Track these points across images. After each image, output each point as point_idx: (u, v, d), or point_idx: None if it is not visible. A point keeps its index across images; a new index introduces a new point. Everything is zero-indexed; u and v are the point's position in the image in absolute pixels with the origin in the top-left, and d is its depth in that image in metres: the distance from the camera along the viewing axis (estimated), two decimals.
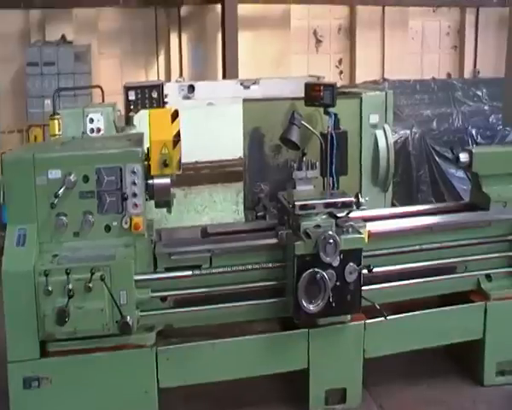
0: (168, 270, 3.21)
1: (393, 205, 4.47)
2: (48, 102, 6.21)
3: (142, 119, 4.46)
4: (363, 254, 3.23)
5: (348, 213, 3.17)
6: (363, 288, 3.25)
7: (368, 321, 3.37)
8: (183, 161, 4.38)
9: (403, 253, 3.40)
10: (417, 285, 3.47)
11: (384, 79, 7.22)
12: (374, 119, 4.35)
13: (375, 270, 3.29)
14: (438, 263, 3.48)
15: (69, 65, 7.43)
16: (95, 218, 3.02)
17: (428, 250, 3.46)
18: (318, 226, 3.09)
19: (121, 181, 3.02)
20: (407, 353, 3.53)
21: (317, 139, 3.56)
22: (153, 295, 3.13)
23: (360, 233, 3.15)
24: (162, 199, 3.14)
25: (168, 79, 8.27)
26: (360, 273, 3.15)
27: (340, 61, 9.86)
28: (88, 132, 3.90)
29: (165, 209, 4.30)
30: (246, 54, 7.96)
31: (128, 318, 2.98)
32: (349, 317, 3.34)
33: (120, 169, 3.01)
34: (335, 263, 3.06)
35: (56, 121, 4.03)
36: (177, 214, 4.44)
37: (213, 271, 3.21)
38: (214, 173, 4.17)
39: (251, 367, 3.28)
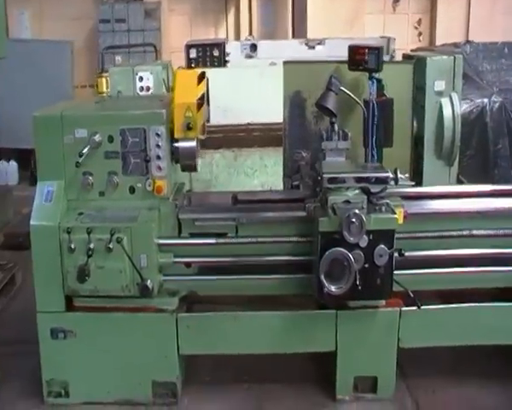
0: (193, 236, 3.15)
1: (459, 181, 4.01)
2: (118, 58, 6.37)
3: None
4: (400, 235, 2.96)
5: (382, 190, 2.88)
6: (398, 272, 2.98)
7: (404, 308, 3.08)
8: (234, 121, 4.33)
9: (445, 237, 3.04)
10: (463, 275, 3.10)
11: (467, 42, 6.46)
12: (439, 86, 3.89)
13: (414, 254, 2.99)
14: (491, 252, 3.07)
15: (139, 22, 7.53)
16: (119, 179, 3.02)
17: (479, 237, 3.05)
18: (348, 202, 2.84)
19: (145, 143, 2.97)
20: (458, 348, 3.19)
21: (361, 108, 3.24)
22: (176, 260, 3.08)
23: (394, 213, 2.85)
24: (187, 163, 3.06)
25: (238, 37, 8.12)
26: (392, 256, 2.87)
27: (419, 22, 9.09)
28: (138, 91, 3.90)
29: (215, 169, 4.30)
30: (318, 13, 7.55)
31: (148, 281, 2.97)
32: (383, 302, 3.07)
33: (144, 131, 2.96)
34: (363, 244, 2.80)
35: (104, 79, 4.08)
36: (227, 176, 4.39)
37: (238, 240, 3.09)
38: (266, 136, 4.02)
39: (273, 344, 3.14)
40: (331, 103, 3.07)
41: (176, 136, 2.96)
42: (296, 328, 3.12)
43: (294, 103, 3.44)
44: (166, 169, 3.01)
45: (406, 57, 4.61)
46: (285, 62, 3.43)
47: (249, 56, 5.20)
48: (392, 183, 2.94)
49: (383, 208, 2.87)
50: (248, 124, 4.25)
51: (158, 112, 2.96)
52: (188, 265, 3.16)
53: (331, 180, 2.86)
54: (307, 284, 3.07)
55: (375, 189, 2.89)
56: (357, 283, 2.84)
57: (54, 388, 3.18)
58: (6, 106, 6.47)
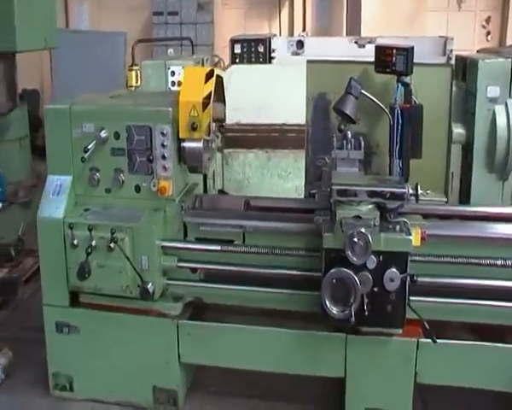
0: (198, 240, 3.01)
1: None
2: (171, 50, 6.33)
3: (233, 74, 4.26)
4: (420, 258, 2.64)
5: (398, 207, 2.56)
6: (416, 298, 2.66)
7: (422, 340, 2.75)
8: (268, 121, 4.12)
9: (472, 264, 2.66)
10: (495, 309, 2.70)
11: None
12: (493, 91, 3.46)
13: (436, 280, 2.66)
14: None
15: (191, 15, 7.43)
16: (125, 176, 2.94)
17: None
18: (358, 218, 2.56)
19: (151, 141, 2.86)
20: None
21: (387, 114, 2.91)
22: (179, 264, 2.96)
23: (409, 233, 2.52)
24: (193, 164, 2.92)
25: (291, 33, 7.80)
26: (405, 282, 2.56)
27: (487, 20, 8.22)
28: (170, 85, 3.80)
29: (247, 170, 4.12)
30: (375, 10, 7.03)
31: (149, 284, 2.87)
32: (399, 330, 2.76)
33: (150, 129, 2.85)
34: (371, 265, 2.51)
35: (134, 72, 4.02)
36: (260, 177, 4.21)
37: (244, 249, 2.90)
38: (300, 138, 3.77)
39: (277, 362, 2.93)
40: (349, 108, 2.78)
41: (180, 136, 2.82)
42: (303, 348, 2.89)
43: (318, 106, 3.19)
44: (172, 169, 2.88)
45: (459, 59, 4.17)
46: (309, 61, 3.17)
47: (296, 53, 4.98)
48: (413, 199, 2.62)
49: (397, 227, 2.55)
50: (284, 124, 4.03)
51: (163, 110, 2.83)
52: (194, 270, 3.02)
53: (341, 192, 2.59)
54: (315, 302, 2.83)
55: (391, 205, 2.58)
56: (365, 307, 2.56)
57: (59, 381, 3.19)
58: (64, 93, 6.69)
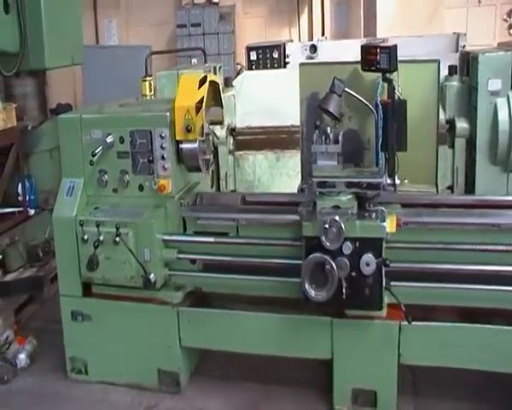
0: (196, 234, 3.27)
1: None
2: (194, 60, 6.61)
3: (244, 80, 4.52)
4: (400, 245, 2.84)
5: (374, 197, 2.75)
6: (397, 283, 2.85)
7: (404, 323, 2.91)
8: (277, 124, 4.34)
9: (451, 250, 2.81)
10: (470, 292, 2.85)
11: None
12: (494, 85, 3.59)
13: (416, 266, 2.85)
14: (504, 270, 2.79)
15: (213, 25, 7.73)
16: (130, 177, 3.23)
17: (492, 252, 2.79)
18: (337, 207, 2.77)
19: (151, 144, 3.15)
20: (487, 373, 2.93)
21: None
22: (179, 256, 3.22)
23: (383, 220, 2.72)
24: (190, 164, 3.19)
25: (310, 38, 7.98)
26: (381, 266, 2.74)
27: (509, 13, 8.16)
28: None
29: (258, 170, 4.36)
30: (391, 11, 7.13)
31: (152, 275, 3.14)
32: (383, 313, 2.94)
33: (150, 132, 3.14)
34: (346, 251, 2.72)
35: (147, 83, 4.32)
36: (269, 177, 4.43)
37: (235, 240, 3.15)
38: None
39: (267, 345, 3.15)
40: (332, 106, 3.00)
41: (177, 138, 3.10)
42: (291, 331, 3.09)
43: (311, 106, 3.40)
44: (171, 169, 3.16)
45: (464, 55, 4.31)
46: (301, 64, 3.40)
47: (310, 57, 5.19)
48: (391, 189, 2.81)
49: (373, 215, 2.75)
50: (292, 125, 4.25)
51: (161, 115, 3.12)
52: (193, 261, 3.28)
53: (320, 184, 2.81)
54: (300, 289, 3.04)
55: (368, 194, 2.78)
56: (343, 291, 2.76)
57: (75, 364, 3.49)
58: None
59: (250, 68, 4.78)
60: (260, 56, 4.88)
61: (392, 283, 2.86)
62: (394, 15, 7.15)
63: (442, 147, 3.86)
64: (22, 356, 3.68)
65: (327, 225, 2.62)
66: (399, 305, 2.84)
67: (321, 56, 5.10)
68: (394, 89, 3.00)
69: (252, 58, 4.84)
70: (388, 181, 2.79)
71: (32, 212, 5.12)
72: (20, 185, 5.01)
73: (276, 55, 4.83)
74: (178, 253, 3.22)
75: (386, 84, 3.06)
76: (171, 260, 3.23)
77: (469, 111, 3.87)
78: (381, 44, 3.04)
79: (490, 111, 3.65)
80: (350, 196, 2.81)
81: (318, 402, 3.22)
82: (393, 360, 2.97)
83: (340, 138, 2.76)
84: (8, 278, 4.51)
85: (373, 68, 3.06)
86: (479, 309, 2.94)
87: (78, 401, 3.37)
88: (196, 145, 3.12)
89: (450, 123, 3.93)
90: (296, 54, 5.15)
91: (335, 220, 2.63)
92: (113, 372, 3.41)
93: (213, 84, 3.28)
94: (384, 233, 2.71)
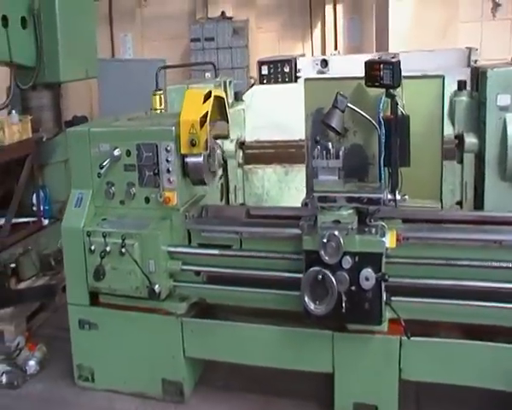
0: (201, 246, 3.32)
1: None
2: (208, 74, 6.71)
3: (253, 94, 4.58)
4: (401, 260, 2.86)
5: (375, 212, 2.78)
6: (398, 298, 2.86)
7: (405, 338, 2.91)
8: (285, 138, 4.39)
9: (453, 266, 2.81)
10: (471, 308, 2.84)
11: None
12: (504, 100, 3.59)
13: (417, 281, 2.86)
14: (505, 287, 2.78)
15: (227, 39, 7.82)
16: (136, 189, 3.30)
17: (494, 269, 2.78)
18: (337, 222, 2.80)
19: (157, 157, 3.22)
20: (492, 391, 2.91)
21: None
22: (184, 267, 3.27)
23: (382, 235, 2.74)
24: (195, 177, 3.25)
25: (323, 53, 8.02)
26: (380, 281, 2.76)
27: None
28: None
29: (266, 184, 4.41)
30: (403, 25, 7.12)
31: (156, 286, 3.20)
32: (384, 328, 2.95)
33: (156, 146, 3.21)
34: (346, 265, 2.74)
35: (158, 97, 4.40)
36: (278, 191, 4.48)
37: (238, 253, 3.20)
38: None
39: (268, 357, 3.18)
40: (335, 121, 3.03)
41: (182, 151, 3.16)
42: (293, 344, 3.12)
43: (316, 121, 3.43)
44: (176, 182, 3.22)
45: (474, 70, 4.31)
46: (306, 79, 3.44)
47: (321, 72, 5.23)
48: (392, 204, 2.83)
49: (373, 230, 2.77)
50: (300, 140, 4.29)
51: (167, 129, 3.19)
52: (197, 273, 3.34)
53: (321, 199, 2.84)
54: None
55: (371, 209, 2.80)
56: (343, 305, 2.79)
57: (82, 372, 3.56)
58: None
59: (261, 83, 4.83)
60: (272, 71, 4.94)
61: (392, 298, 2.88)
62: (407, 29, 7.14)
63: (450, 162, 3.88)
64: (32, 363, 3.77)
65: (325, 240, 2.65)
66: (406, 320, 2.85)
67: (332, 71, 5.13)
68: (397, 104, 3.03)
69: (263, 72, 4.90)
70: (389, 196, 2.81)
71: (45, 222, 5.23)
72: (34, 196, 5.13)
73: (287, 69, 4.88)
74: (183, 264, 3.27)
75: (389, 100, 3.08)
76: (176, 271, 3.28)
77: (478, 126, 3.87)
78: (385, 60, 3.06)
79: (499, 126, 3.64)
80: (351, 211, 2.84)
81: None
82: (394, 375, 2.98)
83: (341, 153, 2.79)
84: (22, 286, 4.61)
85: (376, 84, 3.09)
86: (482, 327, 2.94)
87: (83, 409, 3.43)
88: (201, 159, 3.18)
89: (459, 138, 3.94)
90: (307, 68, 5.19)
91: (334, 235, 2.67)
92: (119, 381, 3.47)
93: (219, 98, 3.35)
94: (383, 248, 2.73)
